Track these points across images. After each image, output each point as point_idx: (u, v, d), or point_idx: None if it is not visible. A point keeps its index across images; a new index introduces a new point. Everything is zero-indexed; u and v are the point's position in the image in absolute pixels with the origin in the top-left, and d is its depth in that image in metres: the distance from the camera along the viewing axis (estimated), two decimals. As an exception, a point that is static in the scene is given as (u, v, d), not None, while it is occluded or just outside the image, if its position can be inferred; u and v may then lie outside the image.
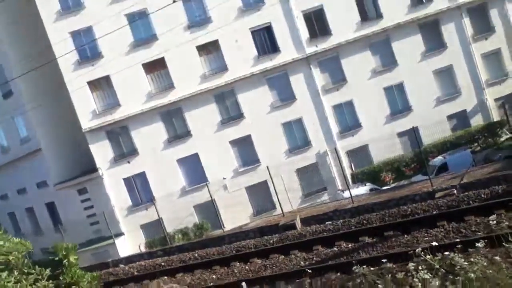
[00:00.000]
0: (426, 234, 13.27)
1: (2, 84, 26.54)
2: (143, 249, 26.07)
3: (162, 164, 27.42)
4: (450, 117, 28.55)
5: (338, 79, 28.01)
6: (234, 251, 16.70)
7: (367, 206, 17.91)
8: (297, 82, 27.79)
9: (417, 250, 5.58)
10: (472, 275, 4.09)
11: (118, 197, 27.62)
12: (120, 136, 27.69)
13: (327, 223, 17.30)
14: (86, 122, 27.07)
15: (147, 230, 27.52)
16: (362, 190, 23.58)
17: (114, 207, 27.44)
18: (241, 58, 27.39)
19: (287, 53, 27.65)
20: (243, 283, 7.40)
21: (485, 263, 4.52)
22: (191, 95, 27.21)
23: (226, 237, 19.88)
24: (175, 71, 27.26)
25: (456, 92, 28.69)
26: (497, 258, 4.85)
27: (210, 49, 27.64)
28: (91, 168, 27.93)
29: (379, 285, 5.31)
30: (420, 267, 5.00)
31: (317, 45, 27.83)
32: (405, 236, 13.55)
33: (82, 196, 28.66)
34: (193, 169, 27.82)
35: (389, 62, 28.21)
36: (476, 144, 27.21)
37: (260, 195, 27.51)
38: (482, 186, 15.91)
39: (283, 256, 14.63)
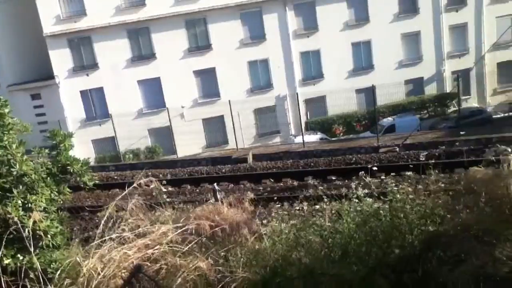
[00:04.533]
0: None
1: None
2: (92, 164, 26.27)
3: (122, 83, 27.10)
4: (407, 82, 29.78)
5: (311, 26, 28.20)
6: (187, 175, 17.37)
7: (316, 152, 19.06)
8: (270, 21, 27.75)
9: (360, 173, 6.50)
10: (399, 195, 5.06)
11: (72, 108, 27.27)
12: (82, 47, 26.87)
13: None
14: (48, 26, 25.94)
15: (98, 146, 27.62)
16: (313, 138, 24.70)
17: (67, 117, 27.11)
18: (218, -14, 26.80)
19: (265, -11, 27.29)
20: (215, 184, 8.04)
21: (410, 189, 5.49)
22: (162, 16, 26.57)
23: (179, 161, 20.49)
24: (147, -13, 26.37)
25: (418, 58, 29.75)
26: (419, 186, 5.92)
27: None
28: (48, 75, 27.13)
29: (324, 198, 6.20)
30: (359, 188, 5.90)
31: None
32: (346, 181, 14.72)
33: (35, 102, 27.98)
34: (153, 92, 27.75)
35: (361, 17, 28.56)
36: (425, 111, 28.83)
37: (215, 128, 28.09)
38: (422, 148, 17.29)
39: (232, 185, 15.49)
